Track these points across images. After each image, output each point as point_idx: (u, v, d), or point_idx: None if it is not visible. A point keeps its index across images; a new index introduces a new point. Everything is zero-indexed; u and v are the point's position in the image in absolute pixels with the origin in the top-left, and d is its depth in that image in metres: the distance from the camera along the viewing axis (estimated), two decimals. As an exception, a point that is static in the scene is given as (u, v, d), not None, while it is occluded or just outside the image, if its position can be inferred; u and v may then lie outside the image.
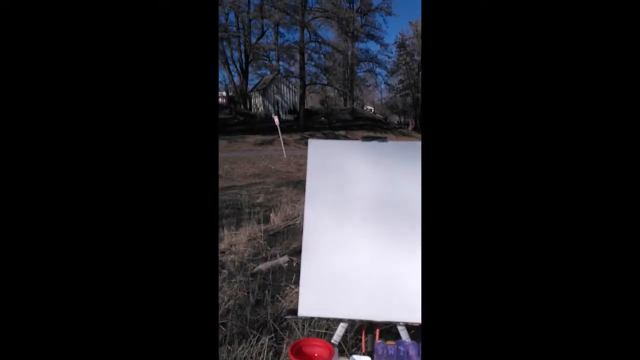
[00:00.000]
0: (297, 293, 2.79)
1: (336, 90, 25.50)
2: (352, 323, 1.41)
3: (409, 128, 26.13)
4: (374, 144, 1.49)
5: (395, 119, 29.35)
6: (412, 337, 1.40)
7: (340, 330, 1.41)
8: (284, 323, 2.47)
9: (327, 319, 2.05)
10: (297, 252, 3.57)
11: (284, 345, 2.20)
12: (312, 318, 1.51)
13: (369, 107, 29.63)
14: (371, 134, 20.49)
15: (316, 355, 1.29)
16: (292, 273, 3.23)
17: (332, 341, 1.39)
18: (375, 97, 34.21)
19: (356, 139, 1.54)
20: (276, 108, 21.84)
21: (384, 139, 1.49)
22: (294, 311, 1.40)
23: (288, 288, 2.93)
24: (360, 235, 1.44)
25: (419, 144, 1.49)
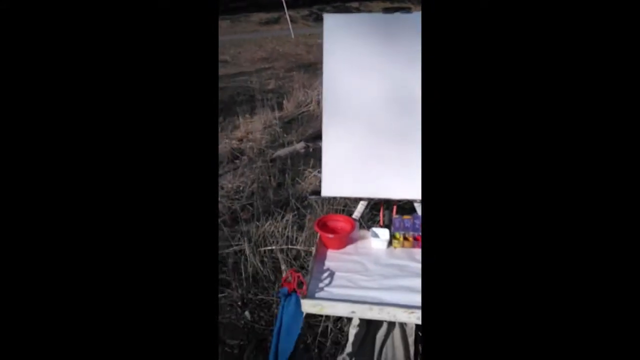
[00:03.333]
0: (315, 176, 2.94)
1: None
2: (370, 201, 1.51)
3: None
4: (397, 15, 1.34)
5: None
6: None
7: (360, 207, 1.52)
8: (305, 202, 2.68)
9: (346, 198, 2.20)
10: (313, 138, 3.63)
11: (306, 221, 2.43)
12: (333, 198, 1.62)
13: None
14: (391, 4, 18.43)
15: (340, 228, 1.43)
16: (310, 158, 3.34)
17: (353, 217, 1.52)
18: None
19: (375, 12, 1.39)
20: (279, -22, 19.27)
21: (407, 10, 1.34)
22: (317, 192, 1.49)
23: (306, 172, 3.07)
24: (381, 119, 1.42)
25: (447, 13, 1.34)
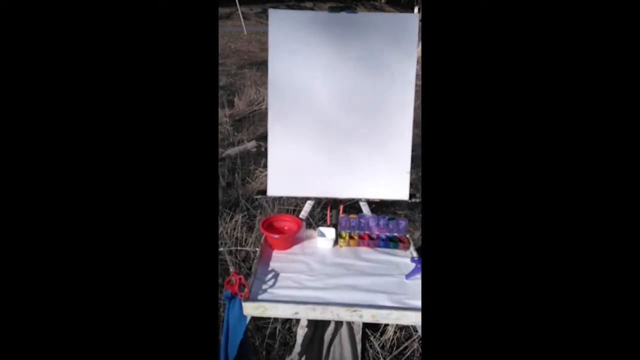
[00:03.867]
0: (266, 176, 2.89)
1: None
2: (318, 200, 1.51)
3: (382, 0, 23.91)
4: (343, 15, 1.35)
5: (367, -11, 26.47)
6: (372, 211, 1.53)
7: (307, 206, 1.51)
8: (256, 202, 2.62)
9: (296, 198, 2.19)
10: (264, 137, 3.57)
11: (256, 222, 2.38)
12: (281, 197, 1.60)
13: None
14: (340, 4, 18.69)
15: (286, 228, 1.40)
16: (261, 157, 3.28)
17: (300, 216, 1.51)
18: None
19: (323, 12, 1.39)
20: (232, -27, 18.79)
21: (353, 10, 1.35)
22: (264, 191, 1.46)
23: (257, 171, 3.01)
24: (327, 118, 1.42)
25: (391, 16, 1.37)
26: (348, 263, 1.28)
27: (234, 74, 6.08)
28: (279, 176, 1.44)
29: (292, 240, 1.36)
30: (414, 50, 1.37)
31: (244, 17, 11.19)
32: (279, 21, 1.37)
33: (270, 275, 1.18)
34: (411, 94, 1.39)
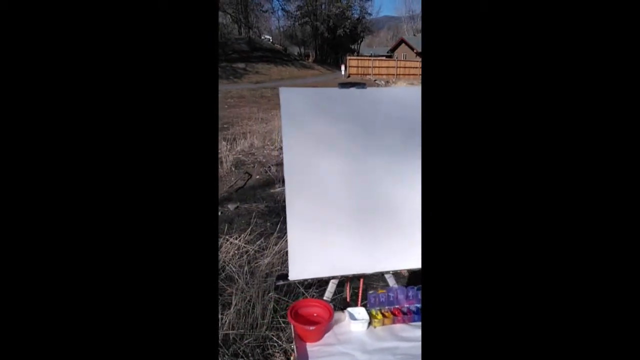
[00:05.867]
0: (231, 244, 2.68)
1: (229, 16, 23.02)
2: (341, 278, 1.42)
3: (310, 60, 25.64)
4: (353, 91, 1.38)
5: (295, 49, 28.27)
6: (398, 283, 1.48)
7: (332, 286, 1.40)
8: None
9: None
10: (221, 201, 3.38)
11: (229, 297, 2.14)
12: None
13: (267, 37, 27.70)
14: (282, 67, 19.53)
15: (315, 315, 1.28)
16: (223, 223, 3.07)
17: (325, 298, 1.39)
18: (273, 25, 32.08)
19: (332, 87, 1.41)
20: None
21: (362, 86, 1.38)
22: (285, 276, 1.33)
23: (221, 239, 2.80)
24: (341, 194, 1.38)
25: (397, 90, 1.43)
26: (392, 346, 1.19)
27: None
28: (300, 258, 1.33)
29: (325, 330, 1.24)
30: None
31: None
32: (290, 99, 1.34)
33: (320, 379, 1.04)
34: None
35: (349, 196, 1.38)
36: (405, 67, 20.95)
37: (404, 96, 1.41)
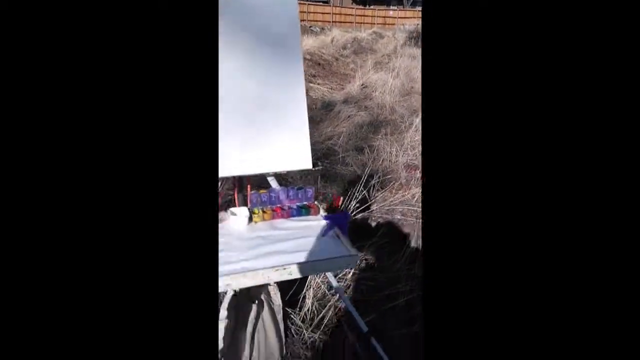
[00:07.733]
0: None
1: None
2: (223, 180, 1.48)
3: None
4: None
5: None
6: (280, 185, 1.58)
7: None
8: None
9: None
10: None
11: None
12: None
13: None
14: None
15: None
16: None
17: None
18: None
19: None
20: None
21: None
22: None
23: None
24: (221, 98, 1.40)
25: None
26: (267, 234, 1.31)
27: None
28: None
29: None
30: (297, 20, 1.47)
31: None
32: None
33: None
34: (300, 64, 1.49)
35: (229, 97, 1.41)
36: (341, 14, 20.49)
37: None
